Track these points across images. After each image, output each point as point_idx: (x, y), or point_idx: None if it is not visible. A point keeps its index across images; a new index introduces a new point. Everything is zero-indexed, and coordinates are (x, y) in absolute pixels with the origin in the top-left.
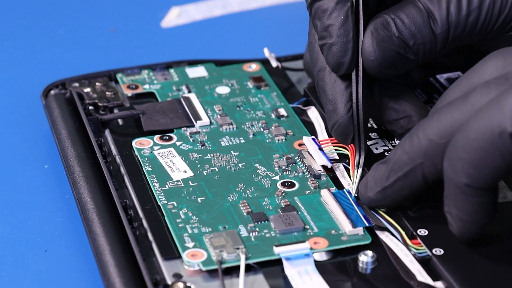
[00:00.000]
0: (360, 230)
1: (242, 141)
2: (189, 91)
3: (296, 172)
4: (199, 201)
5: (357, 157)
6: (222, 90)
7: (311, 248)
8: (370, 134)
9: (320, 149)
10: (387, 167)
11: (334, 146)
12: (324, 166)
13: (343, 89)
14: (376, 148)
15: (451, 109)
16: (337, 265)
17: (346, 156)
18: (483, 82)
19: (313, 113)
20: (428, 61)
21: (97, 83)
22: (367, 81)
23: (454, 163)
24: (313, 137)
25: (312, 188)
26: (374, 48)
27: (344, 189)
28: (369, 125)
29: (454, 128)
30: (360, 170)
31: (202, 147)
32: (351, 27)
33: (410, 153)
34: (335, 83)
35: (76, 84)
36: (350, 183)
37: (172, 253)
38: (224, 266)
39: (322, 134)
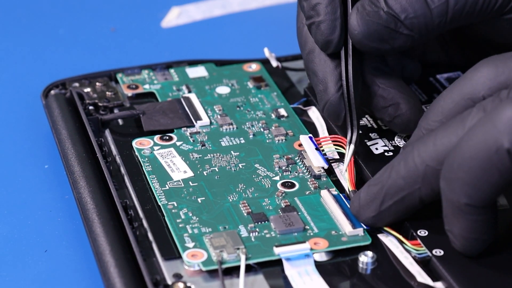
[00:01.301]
0: (360, 231)
1: (242, 141)
2: (189, 91)
3: (296, 172)
4: (199, 201)
5: (349, 134)
6: (222, 90)
7: (311, 249)
8: (370, 134)
9: (317, 149)
10: (381, 190)
11: (334, 144)
12: (323, 168)
13: (332, 68)
14: (376, 149)
15: (447, 133)
16: (337, 265)
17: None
18: (478, 104)
19: (313, 113)
20: (429, 40)
21: (97, 83)
22: (358, 60)
23: (452, 183)
24: (311, 135)
25: (312, 189)
26: (358, 22)
27: (340, 194)
28: (369, 125)
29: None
30: (352, 147)
31: (202, 147)
32: (338, 5)
33: (406, 178)
34: (324, 63)
35: (76, 84)
36: (348, 187)
37: (172, 253)
38: (224, 266)
39: (323, 134)
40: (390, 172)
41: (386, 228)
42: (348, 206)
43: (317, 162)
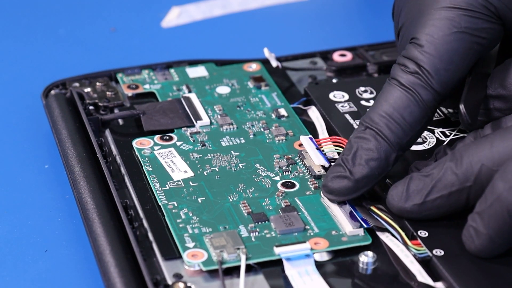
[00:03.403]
0: (360, 231)
1: (243, 141)
2: (190, 91)
3: (296, 172)
4: (200, 201)
5: None
6: (223, 90)
7: (311, 249)
8: None
9: (318, 148)
10: (430, 181)
11: (334, 145)
12: (323, 167)
13: None
14: None
15: (506, 137)
16: (338, 265)
17: None
18: None
19: (313, 113)
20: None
21: (97, 83)
22: None
23: None
24: (311, 136)
25: (313, 189)
26: None
27: None
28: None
29: (509, 157)
30: None
31: (203, 147)
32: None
33: (459, 175)
34: None
35: (77, 84)
36: None
37: (172, 253)
38: (224, 266)
39: (323, 133)
40: (442, 167)
41: (386, 219)
42: (348, 204)
43: (318, 161)
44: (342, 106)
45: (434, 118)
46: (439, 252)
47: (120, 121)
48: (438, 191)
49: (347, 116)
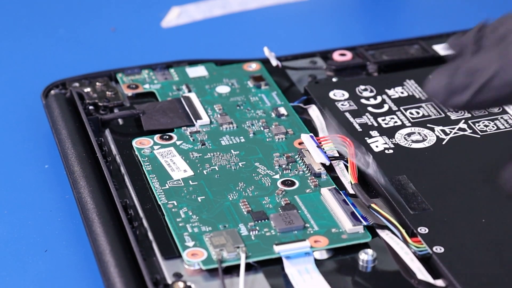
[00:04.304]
0: (360, 229)
1: (242, 140)
2: (189, 91)
3: (296, 170)
4: (199, 200)
5: None
6: (222, 89)
7: (311, 247)
8: (370, 132)
9: (318, 146)
10: (477, 79)
11: (334, 143)
12: (323, 165)
13: None
14: (377, 146)
15: None
16: (338, 263)
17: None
18: None
19: (313, 112)
20: None
21: (97, 83)
22: None
23: None
24: (311, 134)
25: (312, 187)
26: None
27: (341, 192)
28: (369, 123)
29: None
30: None
31: (202, 146)
32: None
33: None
34: None
35: (76, 84)
36: (350, 180)
37: (172, 252)
38: (224, 265)
39: (322, 132)
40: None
41: (386, 215)
42: (349, 204)
43: (319, 159)
44: (342, 105)
45: (434, 117)
46: (439, 249)
47: (120, 121)
48: (489, 91)
49: (347, 114)
